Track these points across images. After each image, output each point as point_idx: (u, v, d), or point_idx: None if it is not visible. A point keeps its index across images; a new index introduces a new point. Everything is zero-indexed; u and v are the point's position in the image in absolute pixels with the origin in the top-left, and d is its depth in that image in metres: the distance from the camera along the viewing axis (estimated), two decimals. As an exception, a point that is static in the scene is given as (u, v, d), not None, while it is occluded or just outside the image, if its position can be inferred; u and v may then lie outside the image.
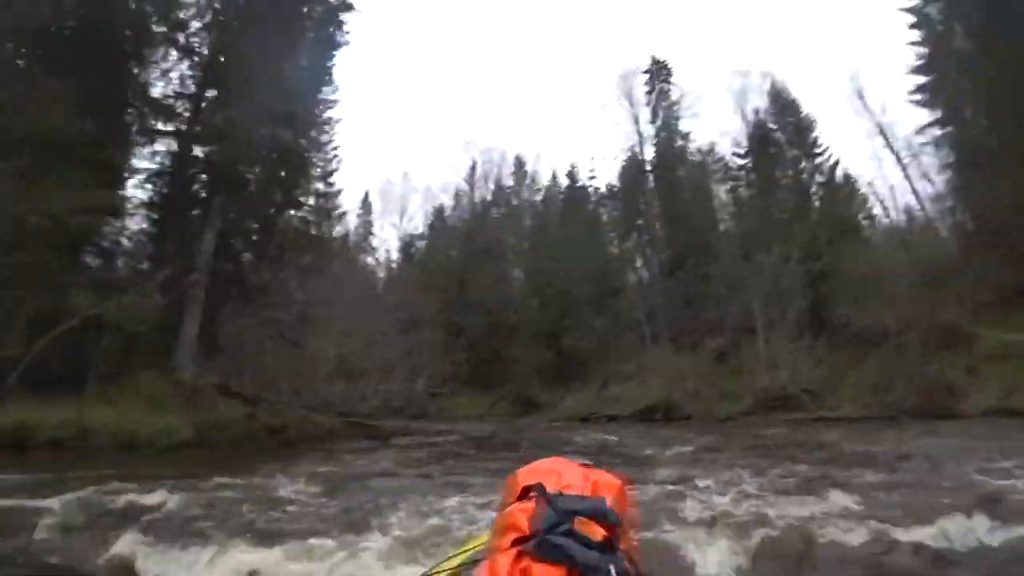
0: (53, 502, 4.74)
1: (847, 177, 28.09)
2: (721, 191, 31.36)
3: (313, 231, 24.76)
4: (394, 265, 49.43)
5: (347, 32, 23.80)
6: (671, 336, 27.14)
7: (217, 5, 17.97)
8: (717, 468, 7.84)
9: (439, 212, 49.36)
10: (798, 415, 18.82)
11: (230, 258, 16.39)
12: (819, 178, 27.91)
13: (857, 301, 20.45)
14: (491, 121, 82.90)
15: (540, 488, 0.86)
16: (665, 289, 29.43)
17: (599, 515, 0.82)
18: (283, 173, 17.87)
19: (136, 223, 16.03)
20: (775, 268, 23.24)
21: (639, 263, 34.29)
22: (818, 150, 28.06)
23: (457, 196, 49.71)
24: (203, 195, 16.90)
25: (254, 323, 15.96)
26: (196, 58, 17.61)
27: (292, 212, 21.86)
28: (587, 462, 0.98)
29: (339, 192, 29.47)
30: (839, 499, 5.21)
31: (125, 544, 3.87)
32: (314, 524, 4.61)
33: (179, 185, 16.66)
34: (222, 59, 17.47)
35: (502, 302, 35.51)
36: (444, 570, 1.00)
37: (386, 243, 48.37)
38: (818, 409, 19.02)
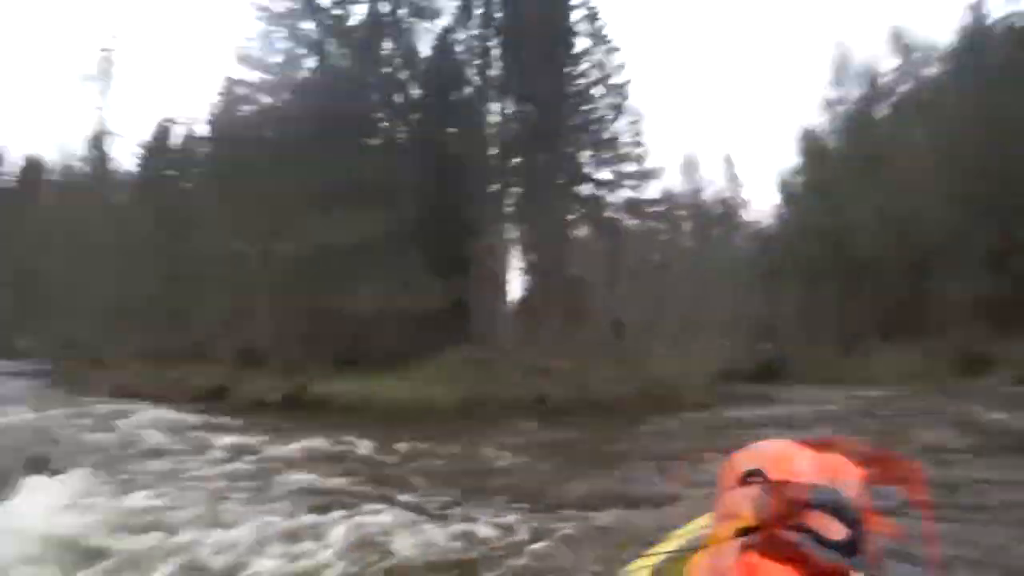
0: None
1: None
2: None
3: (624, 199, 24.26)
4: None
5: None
6: None
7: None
8: None
9: (809, 134, 40.42)
10: None
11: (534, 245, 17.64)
12: None
13: None
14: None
15: (762, 474, 0.73)
16: None
17: (837, 509, 0.67)
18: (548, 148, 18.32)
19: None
20: None
21: None
22: None
23: (829, 106, 39.82)
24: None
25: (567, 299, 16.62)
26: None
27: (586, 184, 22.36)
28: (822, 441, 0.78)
29: (646, 157, 28.03)
30: None
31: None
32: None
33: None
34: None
35: (907, 215, 25.42)
36: (660, 553, 0.91)
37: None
38: None
